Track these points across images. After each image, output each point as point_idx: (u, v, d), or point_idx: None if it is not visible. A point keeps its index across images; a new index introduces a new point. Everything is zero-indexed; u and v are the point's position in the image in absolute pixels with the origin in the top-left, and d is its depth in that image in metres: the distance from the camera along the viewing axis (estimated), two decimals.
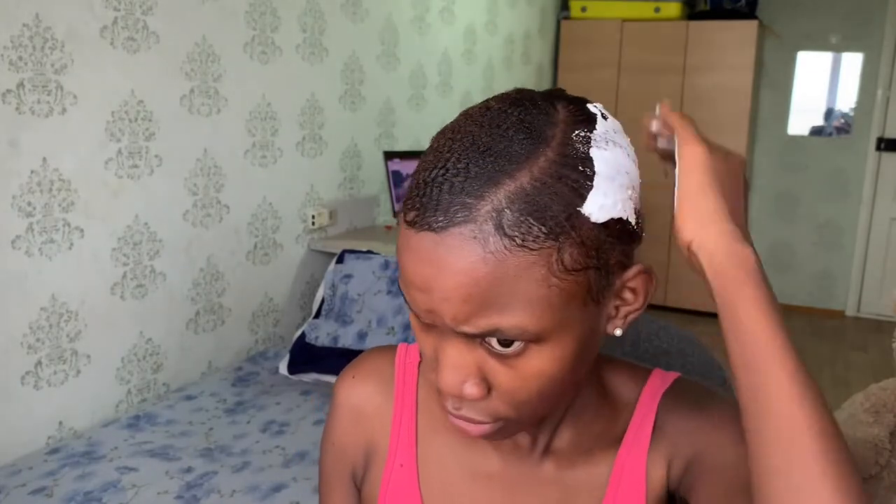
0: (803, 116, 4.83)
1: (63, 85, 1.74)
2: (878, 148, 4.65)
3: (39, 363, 1.76)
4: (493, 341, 0.51)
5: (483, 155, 0.49)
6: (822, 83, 4.78)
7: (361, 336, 2.16)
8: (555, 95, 0.55)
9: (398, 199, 2.72)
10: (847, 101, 4.73)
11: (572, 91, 0.58)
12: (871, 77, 4.61)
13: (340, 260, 2.39)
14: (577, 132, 0.51)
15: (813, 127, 4.83)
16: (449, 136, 0.52)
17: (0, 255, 1.65)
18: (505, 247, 0.47)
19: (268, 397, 2.01)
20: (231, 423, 1.85)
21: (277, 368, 2.19)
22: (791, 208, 4.91)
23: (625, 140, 0.55)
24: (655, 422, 0.63)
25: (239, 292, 2.37)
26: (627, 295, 0.56)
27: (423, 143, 3.31)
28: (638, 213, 0.54)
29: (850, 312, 4.86)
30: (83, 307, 1.85)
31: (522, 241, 0.48)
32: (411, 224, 0.50)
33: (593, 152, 0.51)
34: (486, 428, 0.55)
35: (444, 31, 3.42)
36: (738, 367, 0.51)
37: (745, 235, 0.54)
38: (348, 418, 0.71)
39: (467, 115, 0.53)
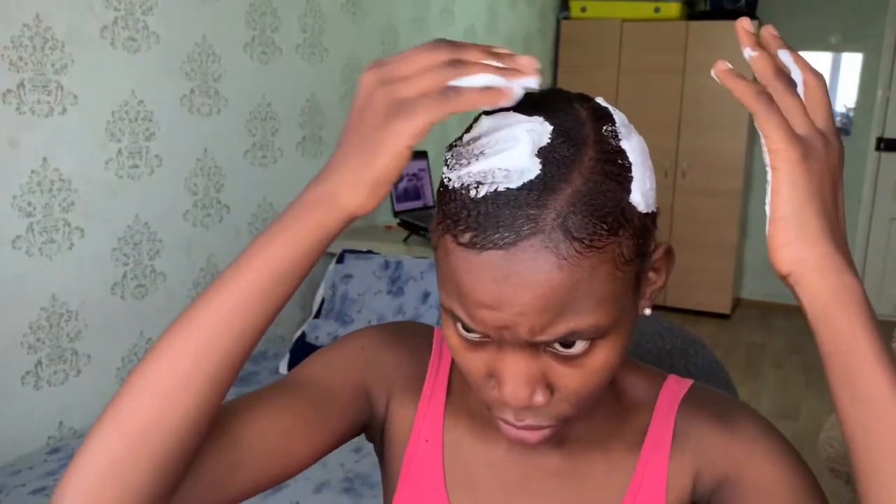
0: None
1: (63, 85, 1.74)
2: (878, 148, 4.65)
3: (40, 363, 1.76)
4: (558, 345, 0.51)
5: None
6: None
7: None
8: (563, 96, 0.55)
9: (398, 199, 2.72)
10: (847, 100, 4.73)
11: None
12: (871, 77, 4.62)
13: (340, 260, 2.39)
14: (604, 128, 0.52)
15: None
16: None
17: (0, 255, 1.65)
18: (576, 250, 0.48)
19: None
20: None
21: (277, 368, 2.19)
22: None
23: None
24: (675, 427, 0.63)
25: None
26: (652, 274, 0.57)
27: (423, 144, 3.30)
28: None
29: None
30: (83, 307, 1.85)
31: (590, 241, 0.48)
32: (470, 245, 0.49)
33: (623, 144, 0.52)
34: (546, 432, 0.56)
35: (444, 31, 3.41)
36: (850, 424, 0.49)
37: (845, 254, 0.51)
38: (390, 355, 0.69)
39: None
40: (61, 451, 1.68)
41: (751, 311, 4.90)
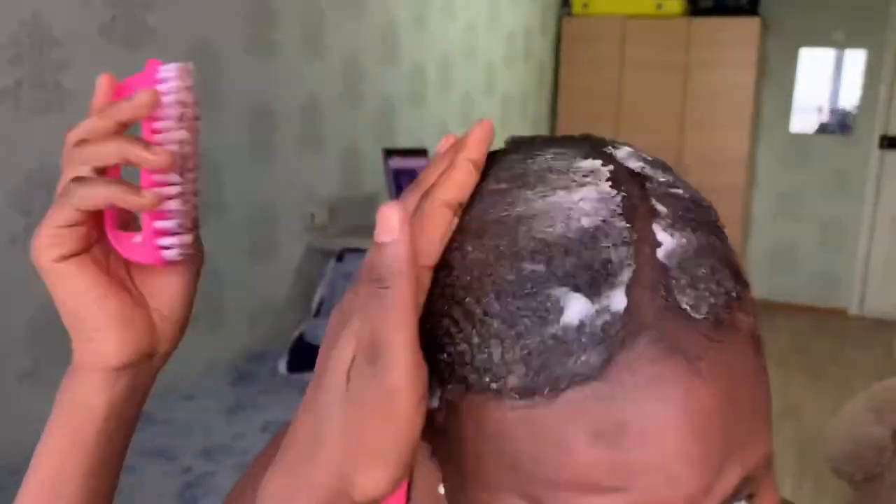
0: (806, 114, 4.82)
1: (61, 83, 1.73)
2: (882, 146, 4.63)
3: (39, 363, 1.75)
4: None
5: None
6: (825, 80, 4.76)
7: None
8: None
9: (398, 198, 2.71)
10: (850, 98, 4.71)
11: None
12: (875, 74, 4.60)
13: (340, 258, 2.39)
14: None
15: (816, 124, 4.81)
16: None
17: None
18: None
19: (267, 397, 2.00)
20: (230, 422, 1.84)
21: (277, 368, 2.18)
22: (794, 206, 4.89)
23: None
24: None
25: (238, 291, 2.36)
26: None
27: (424, 142, 3.29)
28: None
29: (852, 311, 4.84)
30: None
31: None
32: (527, 393, 0.28)
33: None
34: None
35: (444, 28, 3.40)
36: None
37: None
38: None
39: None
40: None
41: None
